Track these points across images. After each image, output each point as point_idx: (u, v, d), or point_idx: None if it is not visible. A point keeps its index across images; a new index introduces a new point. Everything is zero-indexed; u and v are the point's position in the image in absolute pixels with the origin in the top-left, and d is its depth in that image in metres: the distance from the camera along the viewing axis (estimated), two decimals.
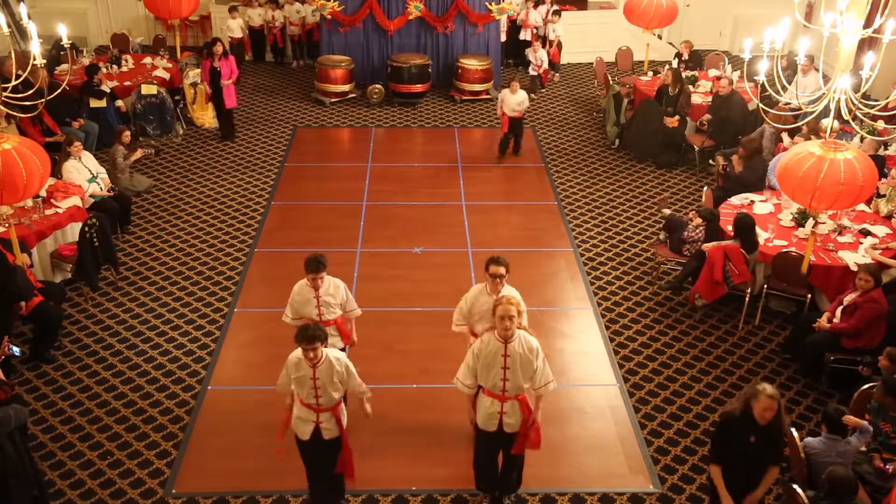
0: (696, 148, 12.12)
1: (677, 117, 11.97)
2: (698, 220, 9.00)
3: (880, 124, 10.72)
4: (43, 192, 9.01)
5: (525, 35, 15.55)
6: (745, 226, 8.50)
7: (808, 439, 6.16)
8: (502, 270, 6.53)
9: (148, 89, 12.64)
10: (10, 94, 7.60)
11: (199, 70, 13.39)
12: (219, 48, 11.97)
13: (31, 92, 7.85)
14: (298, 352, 5.73)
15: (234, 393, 7.68)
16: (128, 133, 10.88)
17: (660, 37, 16.25)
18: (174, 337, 8.37)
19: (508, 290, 6.58)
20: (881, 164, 9.91)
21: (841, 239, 8.79)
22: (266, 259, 9.78)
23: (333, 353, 5.81)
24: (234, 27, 15.30)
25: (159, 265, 9.59)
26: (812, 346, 7.75)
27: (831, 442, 6.06)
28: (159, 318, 8.67)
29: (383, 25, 14.51)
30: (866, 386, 6.68)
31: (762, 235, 8.80)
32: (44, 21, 10.35)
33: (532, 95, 14.54)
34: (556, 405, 7.37)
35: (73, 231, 9.17)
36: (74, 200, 9.34)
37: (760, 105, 7.38)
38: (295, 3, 15.70)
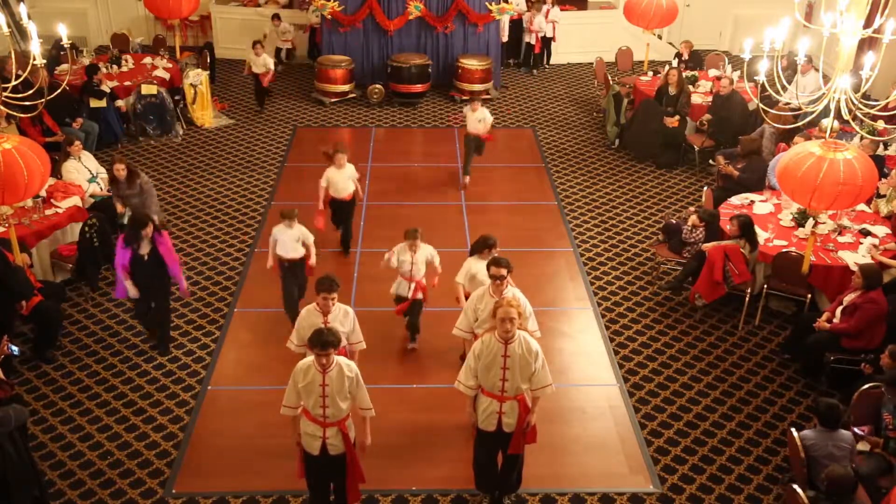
0: (696, 148, 12.12)
1: (677, 117, 11.97)
2: (694, 219, 9.00)
3: (880, 124, 10.72)
4: (43, 192, 9.00)
5: (529, 39, 15.62)
6: (747, 224, 8.50)
7: (805, 431, 6.20)
8: (503, 272, 6.57)
9: (148, 89, 12.63)
10: (10, 94, 7.60)
11: (199, 70, 13.42)
12: (149, 230, 7.62)
13: (31, 92, 7.84)
14: (305, 361, 5.72)
15: (234, 393, 7.68)
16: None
17: (660, 37, 16.24)
18: (174, 337, 8.35)
19: (513, 292, 6.60)
20: (881, 164, 9.92)
21: (841, 239, 8.79)
22: (266, 259, 9.76)
23: (343, 359, 5.79)
24: (276, 30, 15.37)
25: None
26: (812, 346, 7.75)
27: (825, 433, 6.09)
28: None
29: (383, 25, 14.50)
30: (867, 385, 6.68)
31: (762, 235, 8.80)
32: (44, 21, 10.33)
33: (534, 72, 15.99)
34: (556, 405, 7.38)
35: (73, 231, 9.17)
36: (74, 200, 9.34)
37: (760, 105, 7.39)
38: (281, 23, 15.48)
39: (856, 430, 6.37)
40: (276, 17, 15.29)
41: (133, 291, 7.79)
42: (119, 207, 9.40)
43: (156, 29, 16.33)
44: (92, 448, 6.96)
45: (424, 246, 7.86)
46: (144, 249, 7.68)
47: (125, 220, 8.89)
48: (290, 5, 16.14)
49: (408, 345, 8.18)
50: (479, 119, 11.07)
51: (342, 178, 9.24)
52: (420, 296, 7.92)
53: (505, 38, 15.37)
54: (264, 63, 13.44)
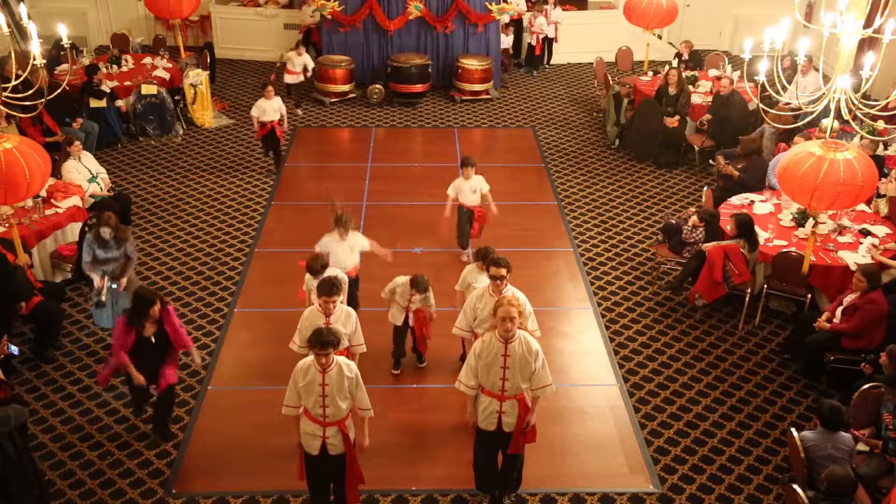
0: (696, 148, 12.13)
1: (677, 117, 11.97)
2: (694, 219, 9.01)
3: (880, 124, 10.72)
4: (43, 192, 9.00)
5: (530, 39, 15.63)
6: (745, 224, 8.50)
7: (805, 433, 6.20)
8: (503, 272, 6.58)
9: (148, 89, 12.65)
10: (10, 94, 7.60)
11: (199, 70, 13.41)
12: (156, 309, 6.57)
13: (31, 92, 7.86)
14: (305, 360, 5.73)
15: (234, 393, 7.68)
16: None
17: (660, 37, 16.25)
18: None
19: (515, 292, 6.61)
20: (881, 164, 9.92)
21: (841, 239, 8.79)
22: (266, 259, 9.78)
23: (343, 359, 5.79)
24: (296, 61, 13.73)
25: (159, 265, 9.59)
26: (812, 346, 7.75)
27: (826, 434, 6.09)
28: None
29: (383, 25, 14.51)
30: (867, 385, 6.68)
31: (762, 235, 8.81)
32: (44, 21, 10.34)
33: (534, 72, 15.87)
34: (556, 405, 7.38)
35: (73, 231, 9.18)
36: (74, 200, 9.35)
37: (760, 105, 7.39)
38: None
39: (854, 432, 6.37)
40: (300, 44, 14.16)
41: (139, 378, 6.67)
42: (97, 280, 7.77)
43: (156, 29, 16.34)
44: (92, 448, 6.96)
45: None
46: (150, 330, 6.63)
47: (103, 297, 7.69)
48: (290, 5, 16.14)
49: (418, 364, 7.97)
50: (472, 189, 9.18)
51: (343, 250, 7.88)
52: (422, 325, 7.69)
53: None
54: (278, 108, 11.38)
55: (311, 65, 13.63)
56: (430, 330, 7.77)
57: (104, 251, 7.76)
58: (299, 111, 13.38)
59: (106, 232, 7.72)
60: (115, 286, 7.71)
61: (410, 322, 7.66)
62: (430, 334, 7.80)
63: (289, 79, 13.84)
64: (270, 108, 11.33)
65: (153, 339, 6.63)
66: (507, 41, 15.41)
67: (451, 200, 9.25)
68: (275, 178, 11.62)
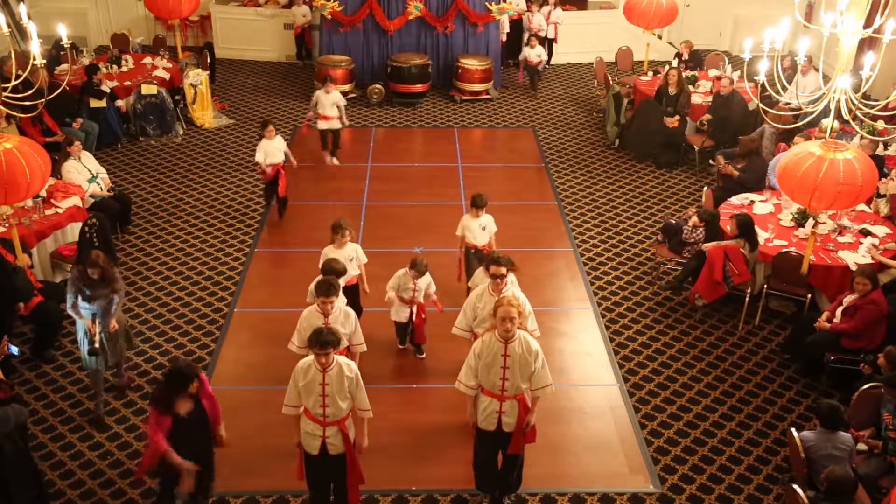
0: (696, 148, 12.13)
1: (677, 117, 11.97)
2: (694, 219, 9.01)
3: (880, 124, 10.72)
4: (43, 193, 9.00)
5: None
6: (745, 224, 8.51)
7: (805, 433, 6.20)
8: (503, 270, 6.59)
9: (148, 89, 12.64)
10: (10, 94, 7.60)
11: (199, 70, 13.41)
12: (195, 385, 5.79)
13: (31, 92, 7.85)
14: (306, 360, 5.73)
15: (234, 393, 7.68)
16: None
17: (660, 37, 16.25)
18: (174, 337, 8.36)
19: (515, 291, 6.61)
20: (881, 164, 9.92)
21: (841, 239, 8.80)
22: (266, 259, 9.79)
23: (343, 359, 5.79)
24: (326, 103, 11.47)
25: (159, 265, 9.60)
26: (812, 346, 7.75)
27: (825, 434, 6.09)
28: (159, 318, 8.67)
29: (383, 25, 14.51)
30: (867, 385, 6.69)
31: (762, 235, 8.81)
32: (44, 21, 10.35)
33: (532, 92, 15.04)
34: (556, 405, 7.38)
35: (73, 231, 9.18)
36: (74, 200, 9.35)
37: (760, 105, 7.39)
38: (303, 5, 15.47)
39: (855, 433, 6.37)
40: (327, 81, 11.58)
41: (181, 462, 5.83)
42: (88, 325, 7.00)
43: (156, 29, 16.33)
44: (92, 448, 6.96)
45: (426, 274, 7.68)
46: (185, 408, 5.83)
47: (96, 343, 6.94)
48: (290, 5, 16.14)
49: (417, 355, 8.12)
50: (482, 226, 8.48)
51: (342, 259, 7.53)
52: (423, 316, 7.85)
53: (504, 38, 15.38)
54: (282, 148, 10.29)
55: (342, 102, 11.61)
56: (438, 304, 7.94)
57: (91, 290, 7.05)
58: (335, 160, 11.92)
59: (94, 273, 7.02)
60: (103, 331, 7.03)
61: (413, 317, 7.77)
62: (440, 307, 7.93)
63: (323, 125, 11.64)
64: (274, 149, 10.18)
65: (188, 415, 5.84)
66: (534, 54, 14.75)
67: (460, 241, 8.59)
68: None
